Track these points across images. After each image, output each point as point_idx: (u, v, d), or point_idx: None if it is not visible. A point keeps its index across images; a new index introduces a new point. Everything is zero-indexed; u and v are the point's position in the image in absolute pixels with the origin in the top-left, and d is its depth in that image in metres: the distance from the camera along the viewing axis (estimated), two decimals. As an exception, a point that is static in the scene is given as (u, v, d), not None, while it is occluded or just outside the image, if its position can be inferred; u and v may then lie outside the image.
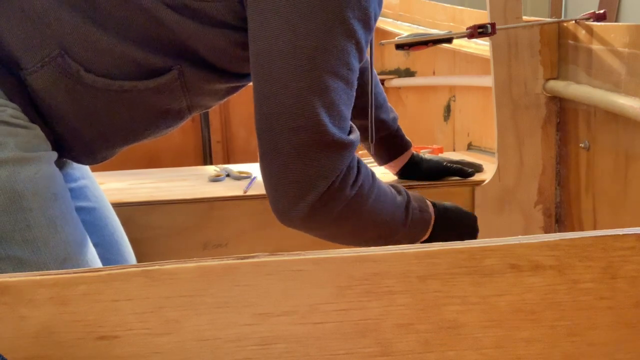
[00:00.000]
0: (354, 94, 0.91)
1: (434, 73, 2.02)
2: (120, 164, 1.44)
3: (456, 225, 1.08)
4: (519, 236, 0.58)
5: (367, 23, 0.89)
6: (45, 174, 0.91)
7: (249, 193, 1.38)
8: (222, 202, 1.36)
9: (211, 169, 1.61)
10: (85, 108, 0.93)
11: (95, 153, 1.01)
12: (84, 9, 0.88)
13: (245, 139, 2.39)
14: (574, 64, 1.34)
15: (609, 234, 0.57)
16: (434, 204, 1.07)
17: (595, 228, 1.35)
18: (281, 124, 0.86)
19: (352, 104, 0.91)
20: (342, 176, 0.90)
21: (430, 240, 1.05)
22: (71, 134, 0.96)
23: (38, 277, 0.54)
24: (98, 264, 0.98)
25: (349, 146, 0.90)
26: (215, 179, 1.49)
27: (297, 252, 0.56)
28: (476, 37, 1.24)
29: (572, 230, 1.43)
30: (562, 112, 1.43)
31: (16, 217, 0.87)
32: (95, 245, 1.01)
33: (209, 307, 0.55)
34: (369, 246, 0.67)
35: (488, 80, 1.46)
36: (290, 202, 0.89)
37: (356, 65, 0.89)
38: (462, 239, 1.01)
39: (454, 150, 1.92)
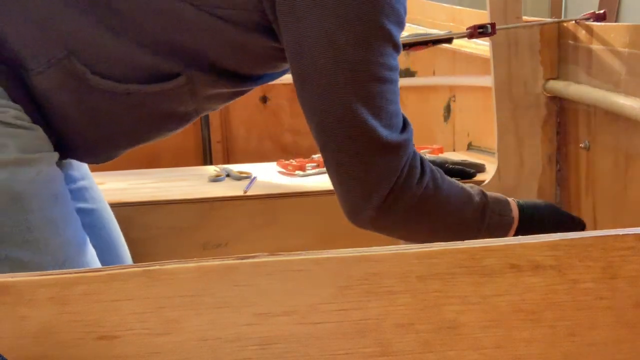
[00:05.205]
0: (398, 87, 0.93)
1: (434, 73, 2.02)
2: (120, 164, 1.44)
3: (546, 227, 1.04)
4: (519, 236, 0.58)
5: (401, 22, 0.91)
6: (46, 175, 0.91)
7: (249, 193, 1.38)
8: (222, 202, 1.36)
9: (211, 169, 1.61)
10: (90, 109, 0.93)
11: (99, 154, 1.01)
12: (93, 11, 0.88)
13: (245, 139, 2.39)
14: (574, 64, 1.34)
15: (609, 234, 0.57)
16: (521, 207, 1.03)
17: (595, 228, 1.35)
18: (336, 135, 0.89)
19: (398, 97, 0.93)
20: (404, 176, 0.92)
21: None
22: (75, 135, 0.96)
23: (38, 277, 0.54)
24: (97, 265, 0.98)
25: (403, 145, 0.92)
26: (215, 179, 1.49)
27: (297, 252, 0.56)
28: (476, 37, 1.24)
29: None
30: (562, 112, 1.43)
31: (17, 218, 0.87)
32: (92, 247, 1.01)
33: (209, 307, 0.55)
34: None
35: (488, 80, 1.46)
36: (356, 206, 0.92)
37: (396, 63, 0.92)
38: None
39: (454, 150, 1.91)
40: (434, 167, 0.97)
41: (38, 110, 0.92)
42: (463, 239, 0.98)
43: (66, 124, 0.94)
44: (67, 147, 0.97)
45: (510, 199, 1.03)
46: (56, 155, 0.95)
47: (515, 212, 1.02)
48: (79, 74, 0.89)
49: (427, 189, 0.93)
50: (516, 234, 1.02)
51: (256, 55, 0.94)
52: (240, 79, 0.98)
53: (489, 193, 1.01)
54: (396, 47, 0.90)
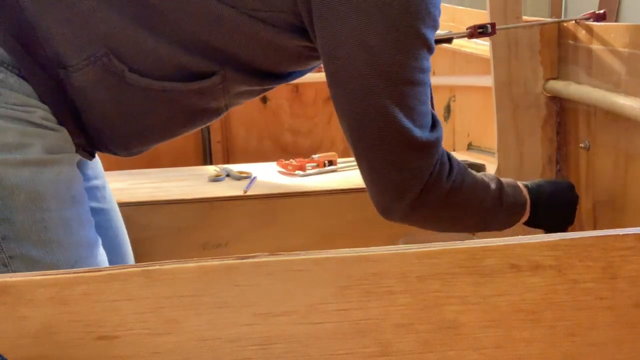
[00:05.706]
0: (430, 88, 0.95)
1: (434, 73, 2.01)
2: (120, 163, 1.44)
3: (554, 198, 1.11)
4: (519, 236, 0.58)
5: (436, 25, 0.92)
6: (65, 176, 0.92)
7: (249, 193, 1.38)
8: (222, 202, 1.36)
9: (211, 169, 1.61)
10: (126, 105, 0.95)
11: (132, 147, 1.03)
12: (132, 10, 0.89)
13: (245, 139, 2.39)
14: (574, 64, 1.34)
15: (609, 234, 0.57)
16: (528, 188, 1.10)
17: (595, 228, 1.35)
18: (369, 136, 0.90)
19: (430, 97, 0.95)
20: (435, 172, 0.93)
21: (534, 220, 1.10)
22: (110, 129, 0.97)
23: (38, 277, 0.54)
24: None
25: (434, 143, 0.93)
26: (215, 179, 1.49)
27: (297, 252, 0.56)
28: (476, 37, 1.24)
29: (572, 230, 1.43)
30: (562, 112, 1.43)
31: (34, 217, 0.88)
32: None
33: (209, 307, 0.55)
34: (470, 232, 0.75)
35: (488, 80, 1.46)
36: (389, 203, 0.94)
37: (428, 65, 0.93)
38: (564, 208, 1.11)
39: (454, 150, 1.91)
40: (459, 160, 1.00)
41: (69, 108, 0.93)
42: (487, 222, 1.04)
43: (101, 120, 0.96)
44: (100, 141, 0.99)
45: (518, 182, 1.09)
46: (77, 156, 0.96)
47: (525, 193, 1.08)
48: (117, 71, 0.91)
49: (455, 182, 0.96)
50: (532, 210, 1.08)
51: (289, 55, 0.96)
52: (272, 76, 1.00)
53: (501, 178, 1.06)
54: (430, 49, 0.91)
